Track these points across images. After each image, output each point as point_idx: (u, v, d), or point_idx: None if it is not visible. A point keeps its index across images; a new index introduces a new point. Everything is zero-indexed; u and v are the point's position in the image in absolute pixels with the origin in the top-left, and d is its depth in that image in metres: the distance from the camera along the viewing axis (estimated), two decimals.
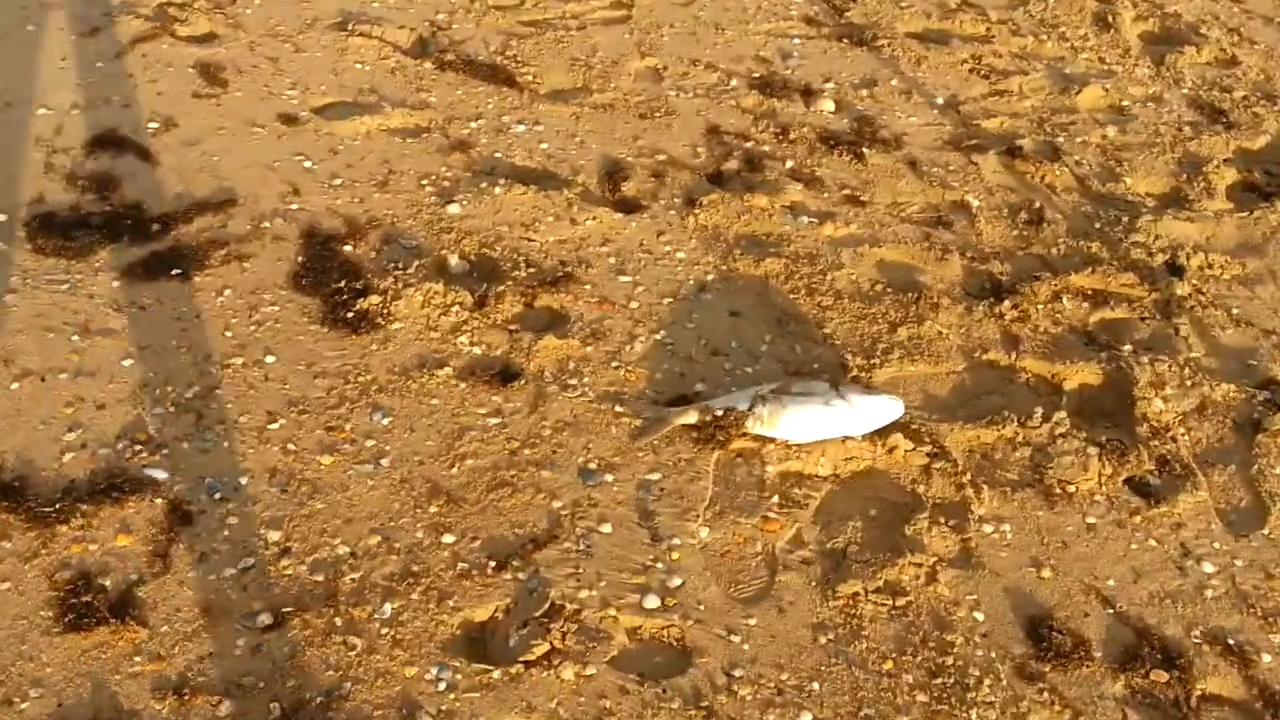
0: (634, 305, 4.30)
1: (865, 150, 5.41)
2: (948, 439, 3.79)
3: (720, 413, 3.73)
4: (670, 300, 4.33)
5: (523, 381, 3.89)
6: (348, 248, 4.42)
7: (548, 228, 4.65)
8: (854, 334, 4.24)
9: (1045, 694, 3.03)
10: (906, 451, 3.74)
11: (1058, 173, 5.41)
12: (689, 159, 5.21)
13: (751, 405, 3.74)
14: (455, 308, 4.16)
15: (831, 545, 3.45)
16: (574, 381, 3.92)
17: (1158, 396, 4.04)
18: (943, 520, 3.52)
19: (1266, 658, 3.21)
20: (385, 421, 3.68)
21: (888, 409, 3.72)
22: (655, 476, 3.58)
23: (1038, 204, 5.16)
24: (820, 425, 3.70)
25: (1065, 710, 3.00)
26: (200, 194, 4.63)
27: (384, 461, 3.53)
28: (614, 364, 4.01)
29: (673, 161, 5.16)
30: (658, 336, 4.16)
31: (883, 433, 3.76)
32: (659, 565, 3.30)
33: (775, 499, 3.56)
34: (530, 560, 3.26)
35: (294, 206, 4.62)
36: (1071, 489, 3.67)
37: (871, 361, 4.10)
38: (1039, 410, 3.90)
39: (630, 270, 4.47)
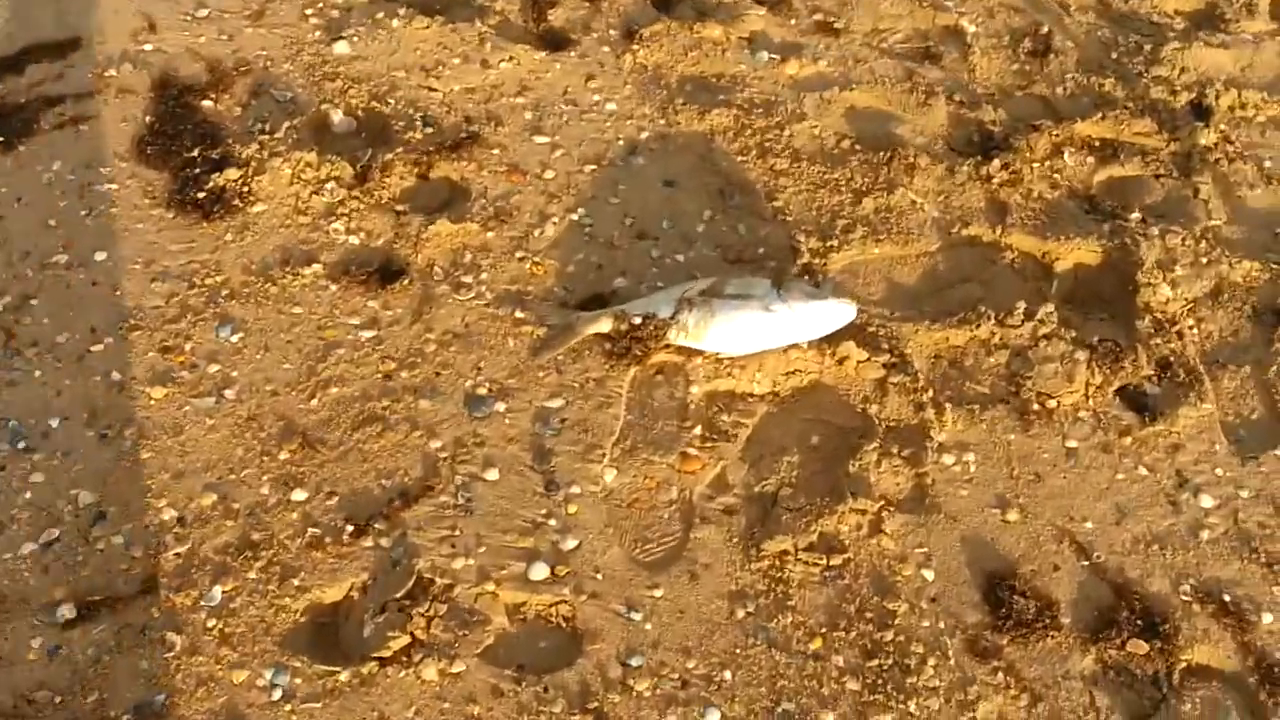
0: (549, 175, 3.62)
1: None
2: (910, 344, 3.18)
3: (638, 320, 3.12)
4: (593, 167, 3.64)
5: (406, 281, 3.27)
6: (208, 102, 3.72)
7: (453, 73, 3.91)
8: (810, 207, 3.56)
9: (999, 674, 2.56)
10: (859, 363, 3.15)
11: None
12: None
13: (676, 311, 3.12)
14: (331, 184, 3.49)
15: (761, 488, 2.90)
16: (469, 279, 3.30)
17: (1165, 280, 3.40)
18: (896, 450, 2.96)
19: (1268, 618, 2.72)
20: (235, 339, 3.09)
21: (837, 314, 3.11)
22: (557, 404, 3.01)
23: (1045, 28, 4.36)
24: (757, 334, 3.10)
25: (1022, 694, 2.54)
26: (36, 33, 3.86)
27: (228, 393, 2.97)
28: (519, 254, 3.38)
29: None
30: (575, 216, 3.50)
31: (833, 339, 3.13)
32: (551, 522, 2.77)
33: (698, 429, 2.99)
34: (396, 521, 2.73)
35: (148, 47, 3.88)
36: (1052, 404, 3.10)
37: (828, 243, 3.45)
38: (1022, 304, 3.26)
39: (549, 128, 3.76)
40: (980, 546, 2.82)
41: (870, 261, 3.46)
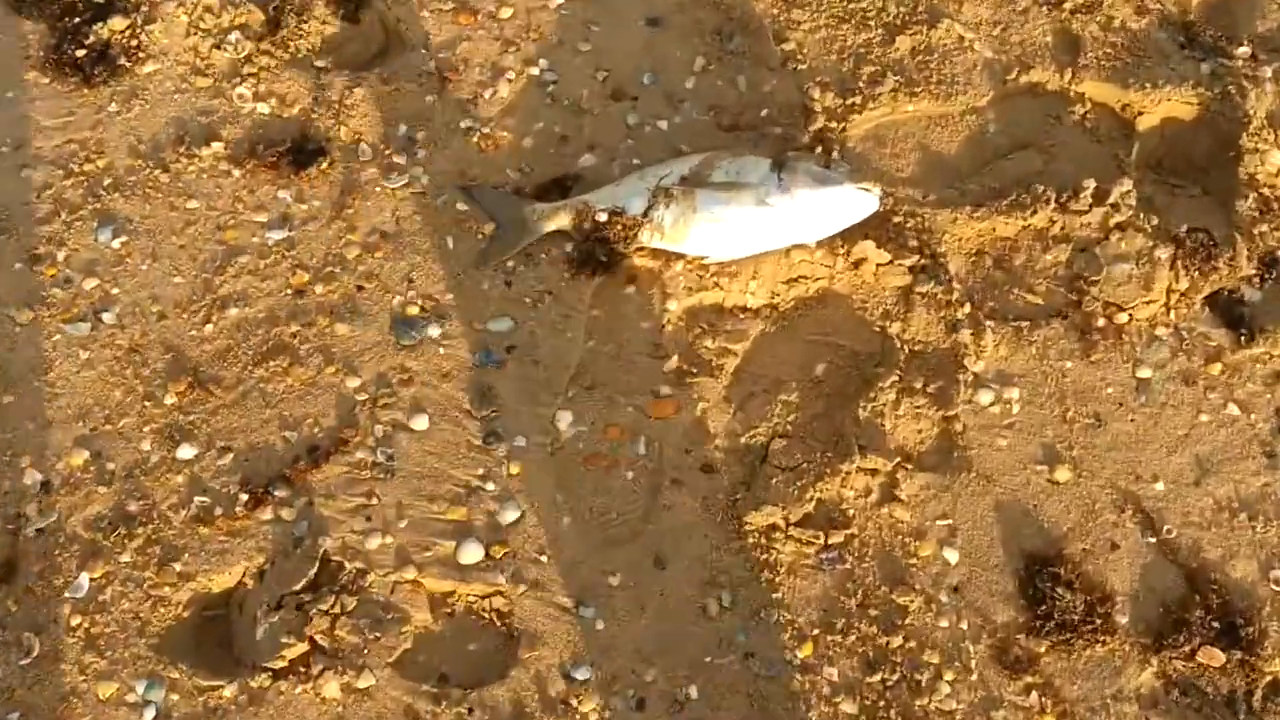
0: (505, 14, 2.92)
1: None
2: (945, 237, 2.55)
3: (604, 216, 2.49)
4: (561, 1, 2.90)
5: (326, 163, 2.67)
6: None
7: None
8: (829, 49, 2.84)
9: (1033, 694, 2.07)
10: (880, 266, 2.52)
11: None
12: None
13: (650, 205, 2.49)
14: (235, 34, 2.82)
15: (749, 438, 2.36)
16: (401, 159, 2.68)
17: (1277, 144, 2.65)
18: (920, 384, 2.39)
19: None
20: (116, 244, 2.55)
21: (853, 205, 2.47)
22: (503, 326, 2.45)
23: None
24: (751, 234, 2.48)
25: None
26: None
27: (107, 316, 2.45)
28: (465, 123, 2.73)
29: None
30: (535, 70, 2.83)
31: (848, 234, 2.50)
32: (489, 487, 2.27)
33: (675, 359, 2.42)
34: (301, 486, 2.25)
35: None
36: (1123, 318, 2.47)
37: (849, 101, 2.75)
38: (1091, 183, 2.57)
39: None
40: (1019, 517, 2.27)
41: (901, 124, 2.76)
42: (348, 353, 2.44)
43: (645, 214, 2.51)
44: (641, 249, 2.53)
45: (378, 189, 2.65)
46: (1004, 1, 2.94)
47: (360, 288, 2.52)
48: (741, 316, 2.51)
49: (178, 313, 2.48)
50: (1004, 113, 2.79)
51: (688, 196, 2.50)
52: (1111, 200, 2.58)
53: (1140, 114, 2.78)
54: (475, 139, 2.72)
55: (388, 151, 2.70)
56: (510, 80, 2.80)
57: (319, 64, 2.84)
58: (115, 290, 2.50)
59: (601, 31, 2.90)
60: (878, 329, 2.49)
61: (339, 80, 2.79)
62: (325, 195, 2.64)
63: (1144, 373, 2.44)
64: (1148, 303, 2.50)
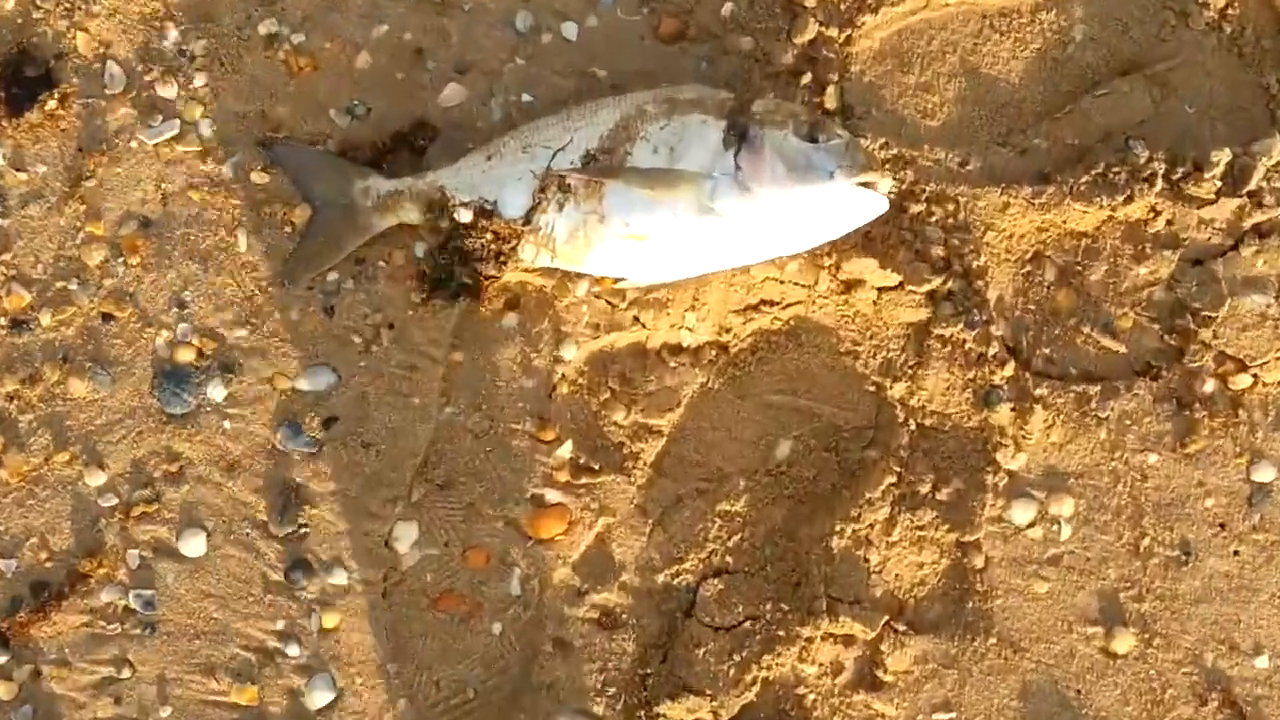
0: None
1: None
2: (988, 238, 1.71)
3: (466, 215, 1.63)
4: None
5: (55, 98, 1.79)
6: None
7: None
8: None
9: None
10: (882, 293, 1.66)
11: None
12: None
13: (536, 204, 1.63)
14: None
15: (670, 575, 1.65)
16: (169, 89, 1.83)
17: None
18: (928, 488, 1.63)
19: None
20: None
21: (847, 210, 1.58)
22: (320, 382, 1.70)
23: None
24: (687, 253, 1.64)
25: None
26: None
27: None
28: (267, 24, 1.82)
29: None
30: None
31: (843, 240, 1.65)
32: (293, 651, 1.64)
33: (569, 446, 1.65)
34: (23, 647, 1.58)
35: None
36: (1243, 382, 1.65)
37: None
38: (1224, 152, 1.66)
39: None
40: (1054, 709, 1.56)
41: (938, 28, 1.80)
42: (88, 428, 1.68)
43: (527, 218, 1.62)
44: (523, 265, 1.66)
45: (133, 144, 1.77)
46: None
47: (107, 317, 1.71)
48: (672, 364, 1.69)
49: None
50: (1101, 4, 1.78)
51: (593, 193, 1.61)
52: (1252, 185, 1.66)
53: None
54: (282, 54, 1.78)
55: (149, 76, 1.78)
56: None
57: None
58: None
59: None
60: (872, 389, 1.68)
61: None
62: (54, 156, 1.76)
63: (1263, 474, 1.63)
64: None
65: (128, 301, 1.73)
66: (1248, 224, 1.68)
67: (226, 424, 1.69)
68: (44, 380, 1.70)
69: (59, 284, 1.73)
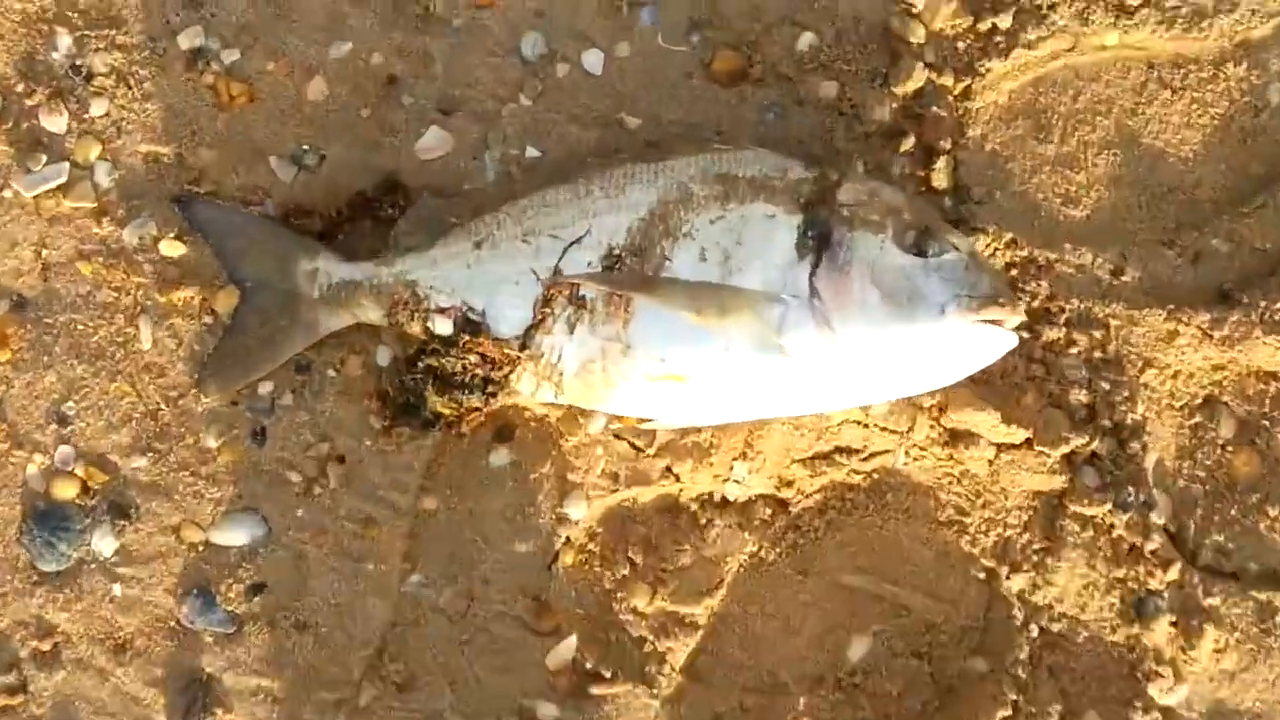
0: None
1: None
2: (1148, 379, 1.29)
3: (444, 325, 1.19)
4: None
5: None
6: None
7: None
8: None
9: None
10: (1001, 451, 1.22)
11: None
12: None
13: (537, 321, 1.19)
14: None
15: None
16: (55, 122, 1.37)
17: None
18: (1055, 717, 1.19)
19: None
20: None
21: (967, 350, 1.13)
22: (241, 535, 1.29)
23: None
24: (742, 398, 1.17)
25: None
26: None
27: None
28: (189, 35, 1.34)
29: None
30: None
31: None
32: None
33: (573, 643, 1.23)
34: None
35: None
36: None
37: (987, 20, 1.30)
38: None
39: None
40: None
41: (1088, 77, 1.33)
42: None
43: (526, 339, 1.18)
44: (518, 396, 1.22)
45: (5, 194, 1.32)
46: None
47: None
48: (714, 529, 1.26)
49: None
50: None
51: (616, 312, 1.17)
52: None
53: None
54: (209, 77, 1.32)
55: (30, 100, 1.34)
56: None
57: None
58: None
59: None
60: (982, 576, 1.25)
61: None
62: None
63: None
64: None
65: None
66: None
67: (116, 588, 1.28)
68: None
69: None
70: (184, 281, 1.33)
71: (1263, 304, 1.27)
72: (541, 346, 1.21)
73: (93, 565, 1.30)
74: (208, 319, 1.32)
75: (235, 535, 1.29)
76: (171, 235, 1.33)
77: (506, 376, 1.23)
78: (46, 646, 1.28)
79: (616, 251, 1.21)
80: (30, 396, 1.32)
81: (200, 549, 1.29)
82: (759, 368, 1.17)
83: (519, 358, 1.22)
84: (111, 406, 1.31)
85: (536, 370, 1.22)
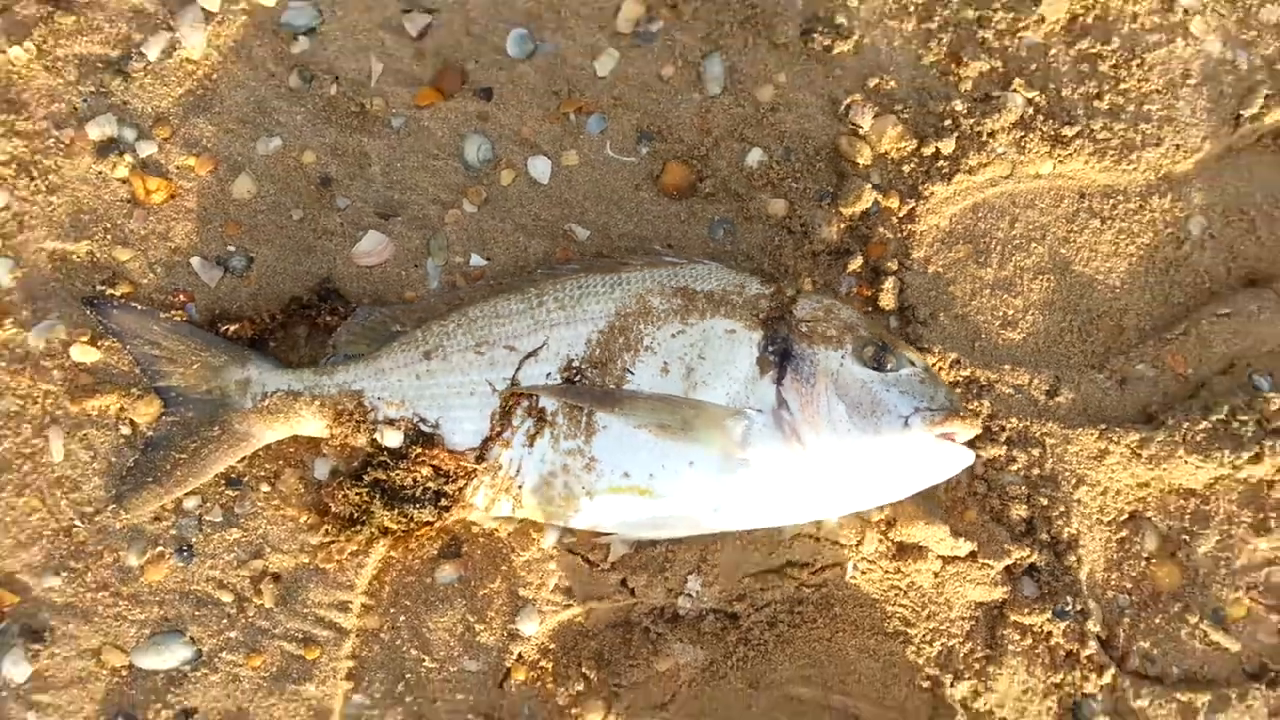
0: None
1: None
2: (1080, 495, 1.48)
3: (394, 437, 1.25)
4: None
5: None
6: None
7: None
8: (902, 11, 1.49)
9: None
10: (946, 563, 1.38)
11: None
12: None
13: (495, 432, 1.27)
14: None
15: None
16: None
17: None
18: None
19: None
20: None
21: (925, 467, 1.29)
22: (165, 658, 1.31)
23: None
24: (704, 513, 1.28)
25: None
26: None
27: None
28: (101, 126, 1.36)
29: None
30: None
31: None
32: None
33: None
34: None
35: None
36: None
37: (930, 149, 1.51)
38: None
39: None
40: None
41: (1024, 202, 1.53)
42: None
43: (482, 452, 1.26)
44: (475, 515, 1.30)
45: None
46: None
47: None
48: (667, 643, 1.36)
49: None
50: (1225, 192, 1.58)
51: (578, 426, 1.26)
52: None
53: None
54: (123, 169, 1.36)
55: None
56: (211, 15, 1.41)
57: None
58: None
59: None
60: (927, 685, 1.39)
61: None
62: None
63: None
64: None
65: None
66: None
67: (31, 717, 1.28)
68: None
69: None
70: (99, 390, 1.35)
71: (1185, 425, 1.47)
72: (499, 460, 1.29)
73: (3, 693, 1.30)
74: (125, 430, 1.35)
75: (162, 659, 1.32)
76: (84, 339, 1.36)
77: (461, 490, 1.30)
78: None
79: (576, 364, 1.31)
80: None
81: (123, 673, 1.32)
82: (723, 480, 1.29)
83: (475, 470, 1.29)
84: (20, 523, 1.33)
85: (494, 483, 1.30)
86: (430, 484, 1.31)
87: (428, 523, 1.32)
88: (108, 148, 1.39)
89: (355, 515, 1.33)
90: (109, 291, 1.36)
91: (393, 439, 1.30)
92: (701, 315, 1.33)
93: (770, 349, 1.31)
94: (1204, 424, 1.47)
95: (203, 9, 1.41)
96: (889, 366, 1.32)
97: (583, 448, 1.29)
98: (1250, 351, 1.52)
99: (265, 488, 1.35)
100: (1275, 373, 1.51)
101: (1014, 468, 1.46)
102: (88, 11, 1.39)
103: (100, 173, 1.38)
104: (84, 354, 1.35)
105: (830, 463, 1.29)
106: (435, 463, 1.30)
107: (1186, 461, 1.47)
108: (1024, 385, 1.48)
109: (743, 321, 1.32)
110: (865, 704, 1.43)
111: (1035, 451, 1.47)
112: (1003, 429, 1.46)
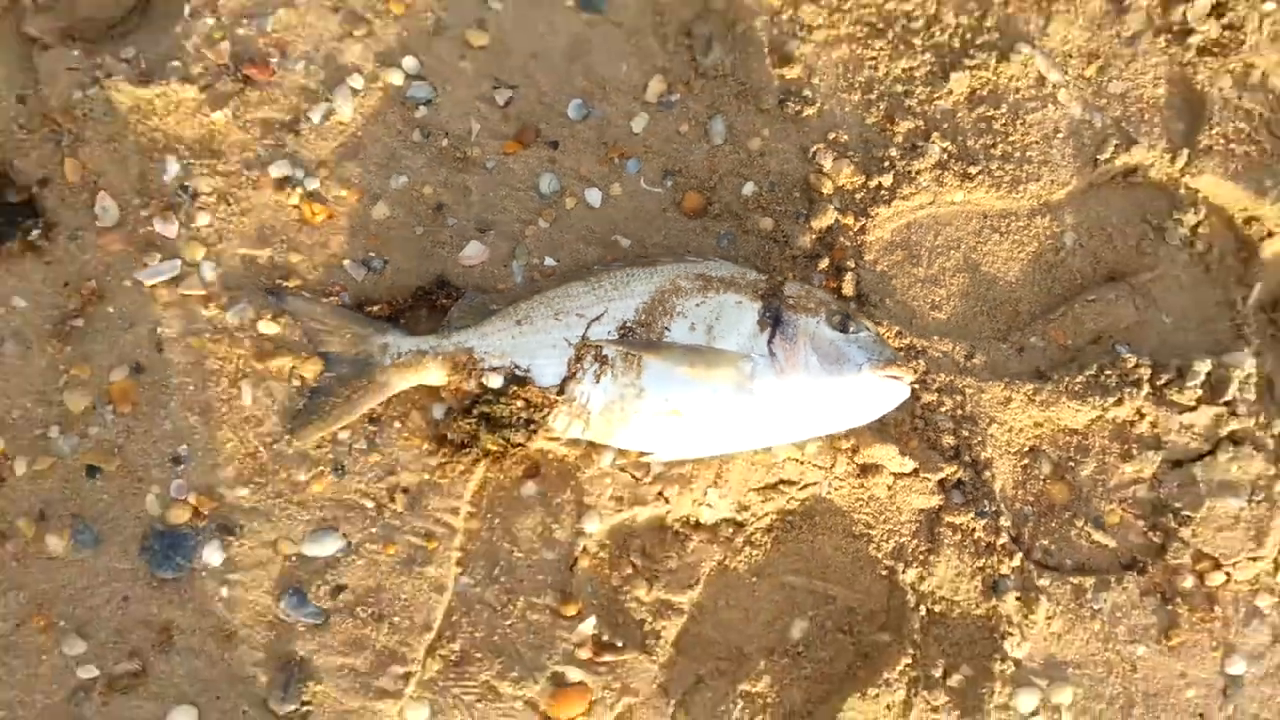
0: None
1: None
2: (992, 430, 1.99)
3: (496, 380, 1.77)
4: None
5: (38, 228, 1.82)
6: None
7: None
8: (851, 82, 2.15)
9: None
10: (898, 478, 1.89)
11: None
12: None
13: (571, 374, 1.78)
14: None
15: None
16: (168, 227, 1.93)
17: None
18: (939, 673, 1.84)
19: None
20: None
21: (873, 398, 1.82)
22: (327, 547, 1.79)
23: None
24: (720, 431, 1.82)
25: None
26: None
27: None
28: (279, 166, 1.92)
29: None
30: (396, 75, 2.05)
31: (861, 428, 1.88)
32: None
33: (592, 622, 1.79)
34: None
35: None
36: (1216, 579, 1.97)
37: (874, 182, 2.08)
38: (1205, 365, 2.01)
39: None
40: None
41: (945, 223, 2.09)
42: (67, 591, 1.71)
43: (562, 388, 1.79)
44: (552, 435, 1.81)
45: (127, 283, 1.83)
46: (1105, 21, 2.20)
47: (92, 470, 1.76)
48: (692, 542, 1.86)
49: None
50: (1088, 214, 2.13)
51: (631, 366, 1.79)
52: (1228, 395, 1.99)
53: (1268, 236, 2.15)
54: (295, 198, 1.90)
55: (146, 213, 1.86)
56: (357, 91, 1.96)
57: (32, 29, 1.91)
58: None
59: (508, 13, 2.04)
60: (885, 573, 1.90)
61: (63, 66, 1.87)
62: (36, 291, 1.81)
63: (1236, 667, 1.94)
64: (1253, 559, 1.96)
65: (116, 454, 1.78)
66: (1224, 431, 2.01)
67: (224, 590, 1.76)
68: (18, 536, 1.73)
69: (37, 431, 1.77)
70: (277, 353, 1.87)
71: (1066, 380, 2.02)
72: (574, 394, 1.82)
73: (203, 573, 1.78)
74: (296, 382, 1.86)
75: (321, 548, 1.81)
76: (267, 317, 1.88)
77: (545, 417, 1.83)
78: (164, 638, 1.75)
79: (628, 325, 1.84)
80: (149, 441, 1.81)
81: (293, 559, 1.80)
82: (734, 405, 1.81)
83: (556, 401, 1.82)
84: (217, 450, 1.83)
85: (569, 411, 1.82)
86: (522, 414, 1.82)
87: (519, 445, 1.83)
88: (284, 183, 1.93)
89: (464, 441, 1.84)
90: (285, 284, 1.89)
91: (495, 381, 1.82)
92: (717, 291, 1.87)
93: (766, 314, 1.86)
94: (1080, 378, 2.03)
95: (350, 87, 1.97)
96: (850, 330, 1.87)
97: (635, 382, 1.81)
98: (1112, 327, 2.09)
99: (397, 424, 1.86)
100: (1130, 342, 2.08)
101: (943, 410, 2.00)
102: (269, 88, 1.95)
103: (278, 200, 1.92)
104: (267, 328, 1.87)
105: (807, 394, 1.83)
106: (526, 397, 1.82)
107: (1069, 406, 2.02)
108: (949, 351, 2.04)
109: (747, 295, 1.87)
110: (840, 589, 1.93)
111: (958, 398, 2.01)
112: (934, 381, 2.00)
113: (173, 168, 1.90)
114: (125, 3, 1.99)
